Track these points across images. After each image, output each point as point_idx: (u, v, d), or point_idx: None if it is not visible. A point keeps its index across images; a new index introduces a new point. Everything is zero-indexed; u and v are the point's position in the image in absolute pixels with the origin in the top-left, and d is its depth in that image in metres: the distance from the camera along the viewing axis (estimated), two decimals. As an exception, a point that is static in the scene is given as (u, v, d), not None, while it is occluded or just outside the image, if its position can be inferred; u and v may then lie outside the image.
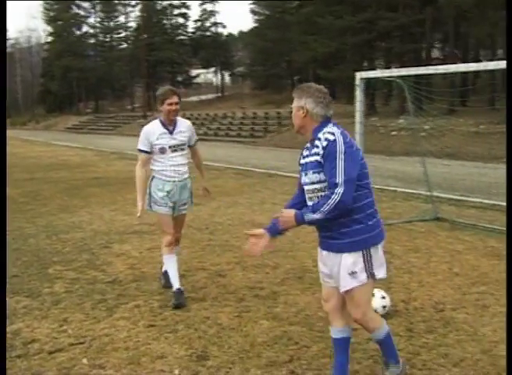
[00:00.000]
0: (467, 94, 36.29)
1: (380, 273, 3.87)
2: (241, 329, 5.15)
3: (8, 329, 5.26)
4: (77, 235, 9.21)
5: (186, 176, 6.11)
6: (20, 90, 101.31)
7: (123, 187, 14.28)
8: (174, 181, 5.97)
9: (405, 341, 4.82)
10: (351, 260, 3.76)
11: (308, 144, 3.92)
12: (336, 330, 4.07)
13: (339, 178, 3.58)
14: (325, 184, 3.70)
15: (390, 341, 4.14)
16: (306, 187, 3.91)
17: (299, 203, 4.01)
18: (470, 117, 27.48)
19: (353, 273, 3.77)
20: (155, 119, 6.13)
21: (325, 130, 3.79)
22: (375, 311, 5.26)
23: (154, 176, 6.01)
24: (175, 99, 5.87)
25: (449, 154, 17.95)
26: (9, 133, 65.47)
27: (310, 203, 3.85)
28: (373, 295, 5.32)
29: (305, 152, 3.95)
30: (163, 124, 5.95)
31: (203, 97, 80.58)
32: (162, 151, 5.89)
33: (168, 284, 6.10)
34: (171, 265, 6.03)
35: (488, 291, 6.09)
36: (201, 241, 8.56)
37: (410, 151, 20.58)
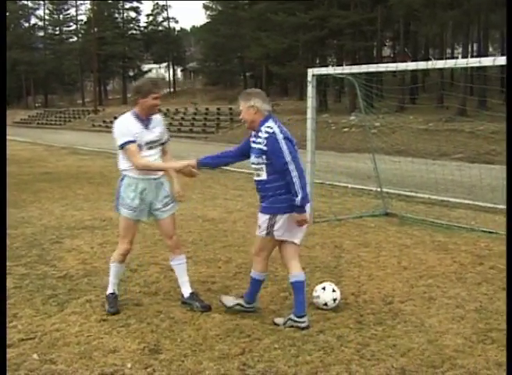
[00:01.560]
0: (416, 92, 36.98)
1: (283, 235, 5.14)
2: (193, 322, 5.17)
3: (-45, 325, 5.19)
4: (27, 230, 9.07)
5: (161, 173, 5.56)
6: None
7: (74, 183, 14.11)
8: (149, 179, 5.40)
9: (355, 332, 4.91)
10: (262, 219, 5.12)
11: (254, 133, 5.14)
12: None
13: (287, 157, 4.86)
14: (262, 166, 5.03)
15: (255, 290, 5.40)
16: (251, 164, 5.19)
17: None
18: (419, 115, 28.00)
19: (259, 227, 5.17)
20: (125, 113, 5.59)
21: (266, 124, 5.03)
22: (326, 304, 5.39)
23: (125, 176, 5.44)
24: (160, 92, 5.49)
25: (399, 151, 18.20)
26: (-45, 126, 64.08)
27: (255, 177, 5.19)
28: (324, 289, 5.45)
29: (252, 139, 5.17)
30: (139, 119, 5.40)
31: (155, 92, 79.96)
32: (140, 148, 5.34)
33: (111, 309, 5.50)
34: (118, 275, 5.69)
35: (434, 283, 6.26)
36: (153, 236, 8.51)
37: (360, 147, 20.90)
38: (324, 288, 5.47)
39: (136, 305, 5.64)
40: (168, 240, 5.78)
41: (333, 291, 5.46)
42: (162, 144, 5.62)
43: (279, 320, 5.16)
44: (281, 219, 5.03)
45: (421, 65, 8.13)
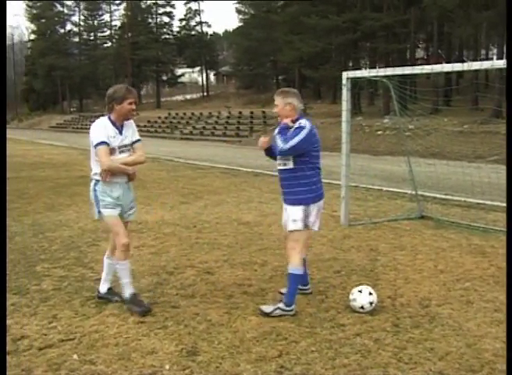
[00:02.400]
0: (450, 94, 36.58)
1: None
2: (230, 325, 5.20)
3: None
4: (64, 233, 9.20)
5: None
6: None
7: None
8: (121, 183, 5.58)
9: (392, 335, 4.90)
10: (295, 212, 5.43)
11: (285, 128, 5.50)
12: None
13: (292, 142, 5.27)
14: (290, 156, 5.40)
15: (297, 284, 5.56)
16: (278, 155, 5.51)
17: None
18: (454, 117, 27.70)
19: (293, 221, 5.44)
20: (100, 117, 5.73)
21: (300, 120, 5.45)
22: (363, 307, 5.36)
23: (98, 181, 5.55)
24: (135, 98, 5.56)
25: (434, 153, 18.07)
26: (-7, 131, 65.13)
27: (280, 167, 5.58)
28: (360, 292, 5.43)
29: (277, 130, 5.54)
30: (113, 124, 5.55)
31: (188, 96, 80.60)
32: (111, 151, 5.48)
33: (142, 308, 5.57)
34: (128, 272, 5.73)
35: (472, 287, 6.20)
36: (189, 239, 8.60)
37: (394, 150, 20.75)
38: (360, 291, 5.46)
39: (173, 308, 5.69)
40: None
41: (370, 293, 5.44)
42: (133, 144, 5.73)
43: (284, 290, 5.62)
44: (314, 209, 5.44)
45: (457, 66, 8.07)
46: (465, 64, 8.08)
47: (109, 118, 5.60)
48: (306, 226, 5.42)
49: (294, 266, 5.45)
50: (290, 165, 5.44)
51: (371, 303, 5.40)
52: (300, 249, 5.51)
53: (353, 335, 4.91)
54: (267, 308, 5.42)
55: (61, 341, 4.94)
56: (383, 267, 6.99)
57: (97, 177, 5.55)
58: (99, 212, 5.58)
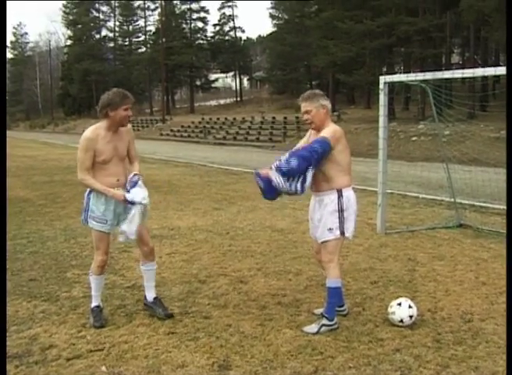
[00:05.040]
0: (487, 99, 35.98)
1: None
2: (264, 338, 5.00)
3: (25, 334, 5.19)
4: (96, 239, 9.11)
5: (126, 183, 5.44)
6: (39, 93, 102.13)
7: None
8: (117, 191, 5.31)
9: (433, 352, 4.66)
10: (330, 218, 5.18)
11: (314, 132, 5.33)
12: None
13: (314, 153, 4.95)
14: None
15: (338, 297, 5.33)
16: None
17: None
18: (490, 122, 27.18)
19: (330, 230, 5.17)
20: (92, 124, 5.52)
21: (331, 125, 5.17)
22: (402, 321, 5.14)
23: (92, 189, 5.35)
24: (130, 103, 5.31)
25: (471, 159, 17.67)
26: (28, 135, 66.03)
27: None
28: (400, 305, 5.20)
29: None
30: (108, 132, 5.29)
31: (221, 101, 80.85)
32: (105, 161, 5.26)
33: (96, 323, 5.39)
34: (99, 287, 5.62)
35: (517, 301, 5.93)
36: (222, 246, 8.45)
37: (430, 156, 20.45)
38: (400, 304, 5.22)
39: (205, 318, 5.52)
40: (143, 247, 5.74)
41: (409, 307, 5.20)
42: (128, 153, 5.54)
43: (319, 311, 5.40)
44: (351, 215, 5.20)
45: (500, 70, 7.77)
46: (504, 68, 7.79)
47: (103, 125, 5.33)
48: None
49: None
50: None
51: (410, 317, 5.17)
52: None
53: (392, 351, 4.68)
54: (312, 329, 5.13)
55: (89, 352, 4.80)
56: (422, 278, 6.74)
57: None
58: (87, 220, 5.44)
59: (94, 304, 5.59)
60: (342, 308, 5.50)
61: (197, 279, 6.83)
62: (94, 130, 5.32)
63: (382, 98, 9.02)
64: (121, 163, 5.44)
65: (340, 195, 5.12)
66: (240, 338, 5.00)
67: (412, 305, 5.25)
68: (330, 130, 5.08)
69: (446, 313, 5.57)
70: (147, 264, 5.77)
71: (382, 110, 9.03)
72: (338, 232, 5.11)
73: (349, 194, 5.18)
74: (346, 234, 5.17)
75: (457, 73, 8.84)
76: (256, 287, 6.46)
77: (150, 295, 5.74)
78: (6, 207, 6.82)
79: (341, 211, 5.11)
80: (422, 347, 4.76)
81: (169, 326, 5.31)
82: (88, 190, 5.41)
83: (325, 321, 5.13)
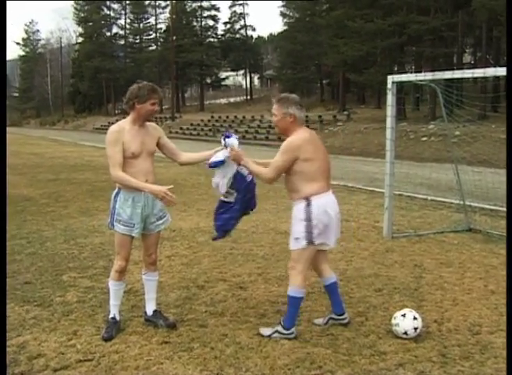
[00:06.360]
0: (498, 100, 35.60)
1: None
2: (261, 349, 4.77)
3: (14, 341, 5.01)
4: (96, 240, 8.93)
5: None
6: (50, 90, 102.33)
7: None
8: (145, 193, 5.01)
9: (438, 367, 4.41)
10: None
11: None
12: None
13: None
14: None
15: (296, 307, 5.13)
16: None
17: None
18: (502, 123, 26.80)
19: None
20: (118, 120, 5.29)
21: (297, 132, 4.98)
22: (406, 333, 4.89)
23: (120, 190, 5.10)
24: (158, 98, 5.07)
25: (481, 161, 17.37)
26: (38, 132, 66.06)
27: None
28: (404, 316, 4.95)
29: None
30: (133, 126, 5.07)
31: (231, 99, 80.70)
32: (134, 156, 5.03)
33: (105, 334, 5.13)
34: (117, 295, 5.39)
35: (528, 311, 5.67)
36: (223, 249, 8.21)
37: (440, 157, 20.12)
38: (404, 315, 4.97)
39: (200, 327, 5.29)
40: (147, 256, 5.50)
41: (414, 318, 4.95)
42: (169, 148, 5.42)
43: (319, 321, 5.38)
44: (327, 222, 5.01)
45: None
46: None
47: (129, 119, 5.12)
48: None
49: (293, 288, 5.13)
50: None
51: (415, 329, 4.92)
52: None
53: (395, 365, 4.44)
54: (265, 332, 5.04)
55: (78, 362, 4.59)
56: (429, 286, 6.49)
57: (118, 185, 5.13)
58: (112, 224, 5.20)
59: (110, 314, 5.35)
60: (342, 317, 5.29)
61: (195, 284, 6.61)
62: (119, 124, 5.12)
63: (390, 98, 8.77)
64: (149, 159, 5.19)
65: (308, 204, 4.86)
66: (236, 349, 4.77)
67: (417, 316, 4.99)
68: (284, 145, 4.92)
69: (453, 325, 5.32)
70: (148, 273, 5.55)
71: (390, 110, 8.77)
72: (304, 242, 4.90)
73: (320, 202, 4.88)
74: (317, 242, 4.92)
75: (467, 73, 8.59)
76: (255, 294, 6.24)
77: (149, 309, 5.49)
78: (6, 207, 6.66)
79: (308, 220, 4.85)
80: (427, 362, 4.51)
81: (163, 335, 5.09)
82: (115, 192, 5.16)
83: (280, 328, 5.03)
